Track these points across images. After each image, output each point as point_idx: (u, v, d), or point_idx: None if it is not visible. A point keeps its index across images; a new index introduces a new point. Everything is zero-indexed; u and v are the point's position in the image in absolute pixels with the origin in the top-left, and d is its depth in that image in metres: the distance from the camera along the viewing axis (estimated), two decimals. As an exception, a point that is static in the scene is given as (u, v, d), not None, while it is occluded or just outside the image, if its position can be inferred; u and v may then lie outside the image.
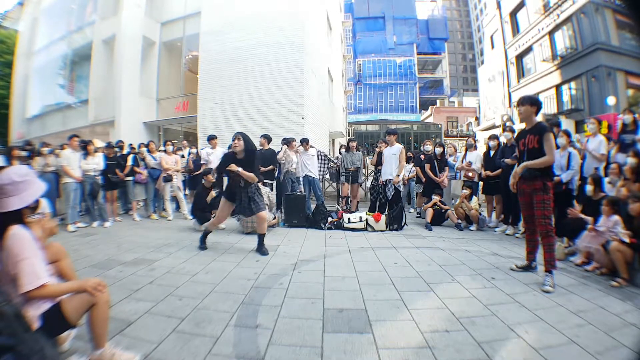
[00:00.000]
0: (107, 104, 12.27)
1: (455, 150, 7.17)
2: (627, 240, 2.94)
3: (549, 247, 2.86)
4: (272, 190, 6.12)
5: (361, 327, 2.03)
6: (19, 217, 1.50)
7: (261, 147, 6.35)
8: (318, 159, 6.58)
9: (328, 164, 7.05)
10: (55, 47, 15.40)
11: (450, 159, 6.51)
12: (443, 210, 5.56)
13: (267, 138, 6.28)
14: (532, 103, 3.00)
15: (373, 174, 6.25)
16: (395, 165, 5.49)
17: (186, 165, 7.11)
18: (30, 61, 16.82)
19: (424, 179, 6.39)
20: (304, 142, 6.38)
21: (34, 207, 1.61)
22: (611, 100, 12.20)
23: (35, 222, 1.75)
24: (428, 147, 6.60)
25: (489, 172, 5.32)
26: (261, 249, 3.79)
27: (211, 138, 6.70)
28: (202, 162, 6.66)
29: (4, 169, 1.56)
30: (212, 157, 6.45)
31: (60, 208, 5.65)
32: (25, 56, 17.17)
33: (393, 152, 5.55)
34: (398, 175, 5.47)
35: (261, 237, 3.85)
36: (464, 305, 2.35)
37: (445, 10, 42.72)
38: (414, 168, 6.94)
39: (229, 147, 6.33)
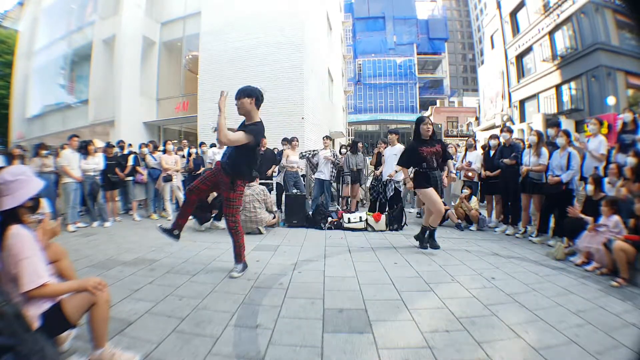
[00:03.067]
0: (107, 104, 12.27)
1: (456, 150, 7.18)
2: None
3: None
4: (270, 190, 6.12)
5: (361, 327, 2.03)
6: (16, 216, 1.50)
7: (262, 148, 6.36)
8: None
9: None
10: (55, 47, 15.39)
11: (451, 159, 6.51)
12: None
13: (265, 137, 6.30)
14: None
15: (372, 174, 6.23)
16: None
17: (186, 165, 7.11)
18: (30, 61, 16.81)
19: None
20: (328, 138, 6.40)
21: (34, 207, 1.60)
22: (611, 100, 12.19)
23: (35, 222, 1.75)
24: None
25: (488, 173, 5.32)
26: (434, 243, 3.82)
27: None
28: (208, 161, 6.63)
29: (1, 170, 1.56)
30: (218, 157, 6.43)
31: (60, 208, 5.65)
32: (25, 56, 17.16)
33: (394, 153, 5.54)
34: (396, 172, 5.46)
35: (433, 230, 3.85)
36: (464, 305, 2.34)
37: (445, 10, 42.71)
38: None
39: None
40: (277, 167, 6.42)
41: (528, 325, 2.06)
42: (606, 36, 13.48)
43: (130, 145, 7.86)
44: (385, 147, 5.90)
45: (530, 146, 4.73)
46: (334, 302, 2.40)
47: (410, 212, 6.93)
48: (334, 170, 6.26)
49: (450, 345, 1.83)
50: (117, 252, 3.81)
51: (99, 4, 13.53)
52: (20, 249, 1.43)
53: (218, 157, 6.38)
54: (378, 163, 6.07)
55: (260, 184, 5.28)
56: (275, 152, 6.61)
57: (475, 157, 5.73)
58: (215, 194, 5.15)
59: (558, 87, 16.00)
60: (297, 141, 6.37)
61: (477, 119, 29.26)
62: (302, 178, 6.29)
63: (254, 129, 2.83)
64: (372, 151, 6.56)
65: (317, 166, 6.28)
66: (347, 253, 3.83)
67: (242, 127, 2.92)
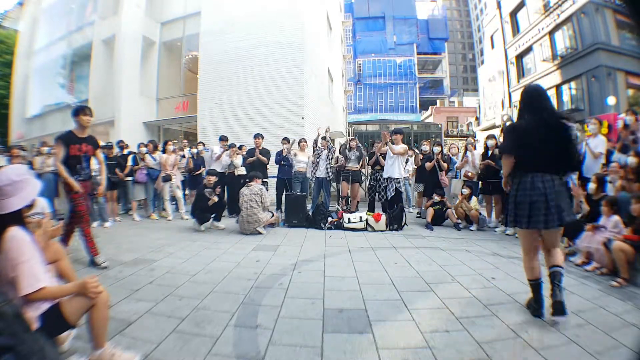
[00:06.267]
0: (107, 104, 12.25)
1: (458, 150, 7.21)
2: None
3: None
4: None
5: (361, 327, 2.03)
6: (19, 217, 1.49)
7: (258, 148, 6.33)
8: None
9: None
10: (55, 47, 15.39)
11: (453, 159, 6.56)
12: (445, 209, 5.55)
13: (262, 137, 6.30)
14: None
15: (371, 173, 6.21)
16: (397, 164, 5.49)
17: (186, 165, 7.11)
18: (30, 61, 16.80)
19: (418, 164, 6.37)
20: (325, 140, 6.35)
21: (30, 206, 1.59)
22: (611, 100, 12.19)
23: (35, 222, 1.74)
24: (425, 147, 6.63)
25: (489, 162, 5.28)
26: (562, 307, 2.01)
27: (222, 139, 6.67)
28: (207, 160, 6.61)
29: (1, 169, 1.54)
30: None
31: (60, 208, 5.65)
32: (25, 56, 17.15)
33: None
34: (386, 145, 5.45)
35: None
36: (464, 305, 2.34)
37: (445, 10, 42.66)
38: (411, 168, 6.95)
39: (229, 147, 6.37)
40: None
41: (528, 325, 2.06)
42: (606, 36, 13.49)
43: (128, 145, 7.85)
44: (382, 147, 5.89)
45: None
46: (334, 302, 2.40)
47: (410, 212, 6.94)
48: (329, 164, 6.19)
49: (450, 345, 1.83)
50: (117, 252, 3.81)
51: (99, 4, 13.52)
52: (19, 252, 1.41)
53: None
54: (376, 162, 6.00)
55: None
56: (284, 154, 6.53)
57: (475, 157, 5.75)
58: (216, 197, 5.14)
59: (558, 87, 16.01)
60: (306, 142, 6.38)
61: (477, 119, 29.27)
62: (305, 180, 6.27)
63: None
64: (372, 150, 6.50)
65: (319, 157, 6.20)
66: (347, 253, 3.83)
67: None
